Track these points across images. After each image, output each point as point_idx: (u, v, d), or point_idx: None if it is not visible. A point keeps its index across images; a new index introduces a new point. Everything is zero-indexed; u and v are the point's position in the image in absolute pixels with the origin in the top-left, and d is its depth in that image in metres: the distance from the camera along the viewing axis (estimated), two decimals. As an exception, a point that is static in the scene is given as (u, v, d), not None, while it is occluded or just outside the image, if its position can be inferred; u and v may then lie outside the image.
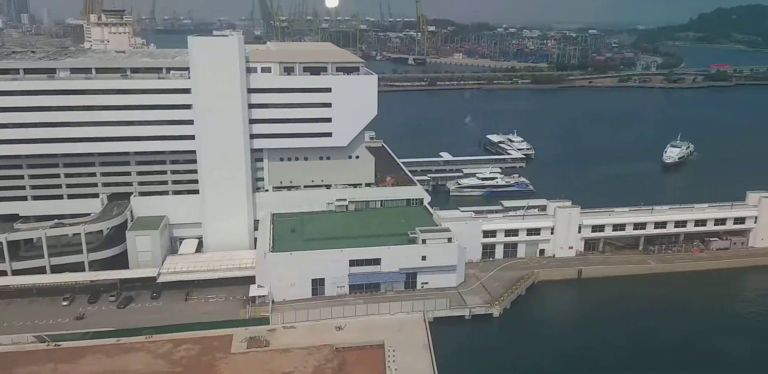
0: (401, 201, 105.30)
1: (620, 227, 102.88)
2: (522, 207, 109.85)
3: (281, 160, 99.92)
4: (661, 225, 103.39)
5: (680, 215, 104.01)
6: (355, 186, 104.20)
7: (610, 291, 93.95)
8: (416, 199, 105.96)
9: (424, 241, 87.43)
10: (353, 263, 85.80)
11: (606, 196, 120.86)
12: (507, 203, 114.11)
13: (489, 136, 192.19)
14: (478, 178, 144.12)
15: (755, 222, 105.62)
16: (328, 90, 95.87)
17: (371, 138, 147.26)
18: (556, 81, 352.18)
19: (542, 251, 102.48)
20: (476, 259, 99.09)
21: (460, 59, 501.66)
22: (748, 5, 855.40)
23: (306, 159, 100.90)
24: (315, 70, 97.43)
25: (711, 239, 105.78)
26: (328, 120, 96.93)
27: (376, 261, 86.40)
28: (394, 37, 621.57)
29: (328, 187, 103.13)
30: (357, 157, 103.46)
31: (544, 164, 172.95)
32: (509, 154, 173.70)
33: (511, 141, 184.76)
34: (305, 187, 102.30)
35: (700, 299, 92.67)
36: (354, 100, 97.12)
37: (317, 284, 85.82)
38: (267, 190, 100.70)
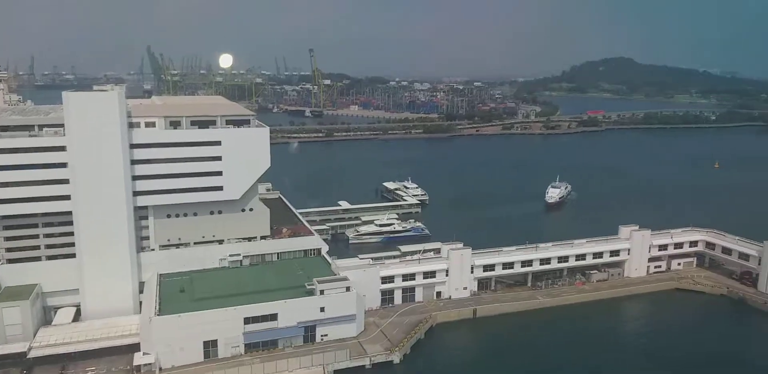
0: (299, 253, 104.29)
1: (509, 265, 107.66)
2: (418, 252, 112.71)
3: (168, 216, 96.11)
4: (545, 261, 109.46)
5: (562, 251, 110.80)
6: (249, 239, 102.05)
7: (504, 328, 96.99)
8: (314, 249, 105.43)
9: (322, 292, 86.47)
10: (248, 321, 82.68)
11: (496, 237, 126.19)
12: (404, 248, 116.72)
13: (385, 184, 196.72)
14: (376, 225, 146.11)
15: (628, 254, 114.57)
16: (218, 143, 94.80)
17: (267, 189, 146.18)
18: (447, 130, 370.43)
19: (439, 293, 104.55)
20: (376, 306, 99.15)
21: (356, 111, 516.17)
22: (613, 58, 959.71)
23: (195, 214, 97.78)
24: (203, 124, 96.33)
25: (591, 272, 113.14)
26: (219, 173, 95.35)
27: (273, 317, 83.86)
28: (291, 90, 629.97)
29: (220, 242, 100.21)
30: (251, 210, 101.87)
31: (438, 208, 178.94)
32: (405, 200, 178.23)
33: (406, 187, 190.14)
34: (195, 243, 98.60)
35: (586, 329, 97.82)
36: (245, 153, 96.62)
37: (209, 346, 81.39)
38: (153, 249, 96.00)
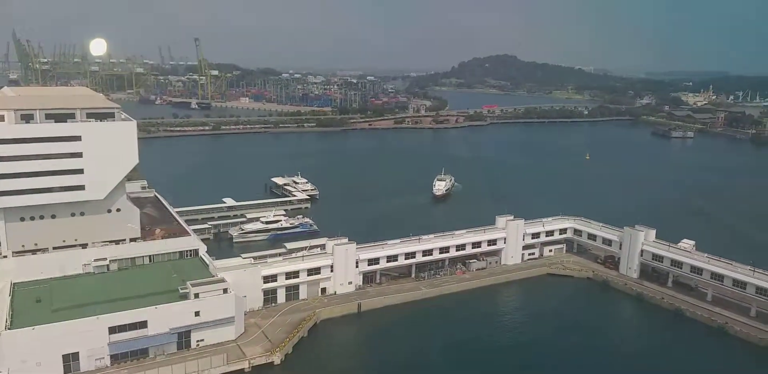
0: (173, 255, 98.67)
1: (393, 258, 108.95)
2: (305, 248, 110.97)
3: (22, 219, 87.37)
4: (428, 252, 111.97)
5: (443, 242, 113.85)
6: (117, 242, 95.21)
7: (388, 321, 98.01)
8: (191, 251, 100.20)
9: (196, 295, 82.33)
10: (114, 330, 76.84)
11: (385, 230, 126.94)
12: (290, 245, 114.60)
13: (274, 179, 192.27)
14: (262, 222, 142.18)
15: (504, 243, 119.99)
16: (77, 138, 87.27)
17: (143, 187, 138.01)
18: (340, 124, 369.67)
19: (324, 289, 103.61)
20: (258, 307, 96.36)
21: (247, 103, 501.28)
22: (498, 55, 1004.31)
23: (54, 216, 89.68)
24: (60, 117, 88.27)
25: (471, 261, 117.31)
26: (80, 171, 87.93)
27: (142, 325, 78.58)
28: (176, 81, 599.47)
29: (84, 246, 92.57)
30: (118, 210, 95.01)
31: (329, 204, 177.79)
32: (294, 195, 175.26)
33: (295, 183, 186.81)
34: (55, 248, 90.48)
35: (469, 316, 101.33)
36: (109, 149, 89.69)
37: (70, 360, 74.93)
38: (5, 256, 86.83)
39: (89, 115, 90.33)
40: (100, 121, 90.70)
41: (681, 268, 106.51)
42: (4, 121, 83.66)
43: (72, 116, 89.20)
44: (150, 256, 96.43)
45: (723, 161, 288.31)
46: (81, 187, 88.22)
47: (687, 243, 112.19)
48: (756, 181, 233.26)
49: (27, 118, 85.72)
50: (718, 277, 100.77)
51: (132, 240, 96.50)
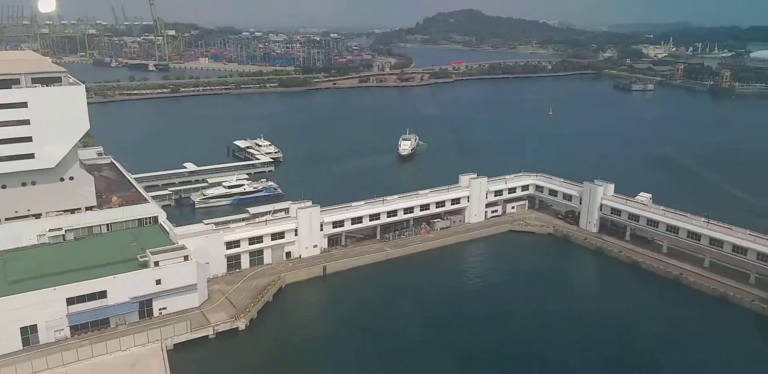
0: (132, 223, 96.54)
1: (358, 220, 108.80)
2: (269, 213, 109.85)
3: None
4: (392, 213, 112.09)
5: (407, 202, 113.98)
6: (73, 211, 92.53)
7: (353, 283, 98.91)
8: (149, 218, 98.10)
9: (156, 264, 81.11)
10: (72, 301, 75.56)
11: (351, 191, 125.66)
12: (253, 210, 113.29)
13: (236, 142, 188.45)
14: (225, 187, 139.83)
15: (468, 201, 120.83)
16: (24, 105, 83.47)
17: (99, 154, 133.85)
18: (303, 84, 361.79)
19: (289, 253, 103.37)
20: (222, 273, 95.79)
21: (206, 64, 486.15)
22: (462, 10, 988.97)
23: (4, 187, 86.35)
24: (4, 84, 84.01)
25: (435, 220, 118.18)
26: (28, 139, 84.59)
27: (102, 295, 77.37)
28: (132, 42, 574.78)
29: (37, 216, 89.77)
30: (71, 179, 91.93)
31: (293, 166, 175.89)
32: (257, 159, 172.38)
33: (258, 145, 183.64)
34: (7, 219, 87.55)
35: (434, 274, 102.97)
36: (58, 115, 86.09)
37: (28, 332, 73.67)
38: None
39: (35, 80, 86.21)
40: (47, 86, 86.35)
41: (638, 221, 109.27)
42: (-61, 88, 78.96)
43: (17, 82, 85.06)
44: (107, 225, 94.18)
45: (680, 113, 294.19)
46: (30, 156, 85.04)
47: (644, 197, 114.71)
48: (712, 132, 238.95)
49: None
50: (673, 229, 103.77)
51: (88, 208, 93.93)
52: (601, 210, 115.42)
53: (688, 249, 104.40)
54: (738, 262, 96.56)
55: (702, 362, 76.08)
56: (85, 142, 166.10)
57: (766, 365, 76.52)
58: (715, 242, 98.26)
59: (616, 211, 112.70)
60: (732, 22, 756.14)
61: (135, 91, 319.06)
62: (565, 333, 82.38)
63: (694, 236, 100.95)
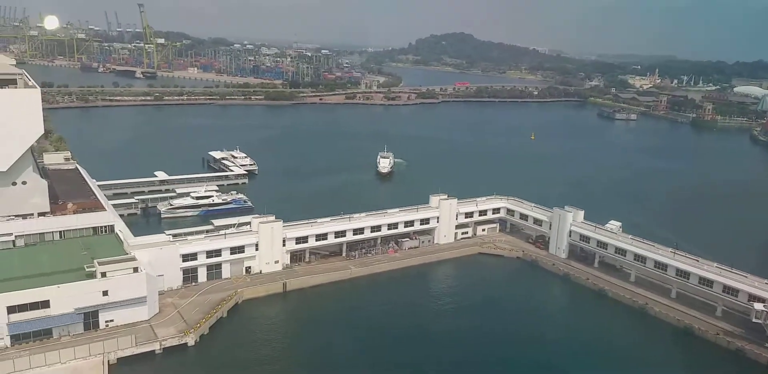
0: (87, 231, 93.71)
1: (323, 237, 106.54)
2: (233, 225, 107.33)
3: None
4: (359, 231, 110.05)
5: (375, 220, 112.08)
6: (24, 217, 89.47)
7: (314, 300, 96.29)
8: (105, 227, 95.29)
9: (104, 274, 78.15)
10: (13, 309, 72.47)
11: (324, 207, 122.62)
12: (218, 222, 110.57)
13: (212, 153, 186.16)
14: (192, 198, 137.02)
15: (438, 222, 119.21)
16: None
17: (66, 159, 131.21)
18: (289, 98, 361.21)
19: (248, 268, 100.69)
20: (177, 286, 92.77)
21: (195, 73, 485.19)
22: (455, 33, 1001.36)
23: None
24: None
25: (403, 240, 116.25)
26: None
27: (45, 304, 74.25)
28: (121, 49, 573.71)
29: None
30: (24, 183, 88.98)
31: (268, 180, 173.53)
32: (231, 170, 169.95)
33: (234, 157, 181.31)
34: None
35: (398, 294, 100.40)
36: (11, 118, 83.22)
37: (-36, 340, 70.54)
38: None
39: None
40: (0, 88, 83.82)
41: (606, 249, 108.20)
42: None
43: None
44: (60, 232, 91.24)
45: (661, 143, 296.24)
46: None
47: (614, 225, 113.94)
48: (690, 164, 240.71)
49: None
50: (641, 259, 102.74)
51: (41, 214, 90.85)
52: (570, 236, 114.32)
53: (655, 278, 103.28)
54: (704, 294, 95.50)
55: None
56: (57, 146, 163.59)
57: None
58: (681, 273, 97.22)
59: (585, 238, 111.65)
60: (718, 57, 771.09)
61: (118, 98, 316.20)
62: (526, 358, 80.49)
63: (661, 266, 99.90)
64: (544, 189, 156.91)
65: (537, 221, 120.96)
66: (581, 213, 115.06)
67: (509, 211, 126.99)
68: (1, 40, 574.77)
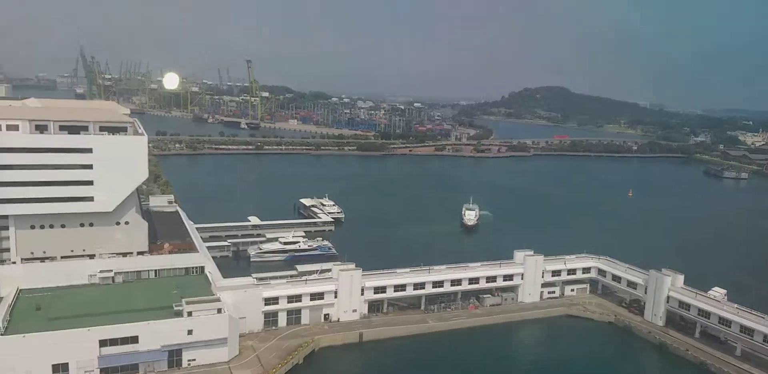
0: (179, 270, 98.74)
1: (401, 288, 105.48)
2: (315, 272, 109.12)
3: (32, 227, 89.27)
4: (438, 284, 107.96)
5: (455, 274, 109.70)
6: (125, 255, 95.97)
7: (390, 353, 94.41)
8: (196, 267, 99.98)
9: (189, 314, 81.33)
10: (104, 343, 76.49)
11: (407, 257, 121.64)
12: (302, 267, 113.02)
13: (302, 200, 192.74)
14: (281, 243, 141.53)
15: (522, 279, 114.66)
16: (88, 150, 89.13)
17: (169, 202, 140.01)
18: (380, 148, 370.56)
19: (327, 316, 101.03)
20: (258, 329, 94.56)
21: (295, 125, 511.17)
22: (549, 86, 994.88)
23: (63, 226, 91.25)
24: (74, 129, 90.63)
25: (484, 296, 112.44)
26: (89, 183, 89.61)
27: (133, 340, 77.91)
28: (230, 101, 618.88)
29: (91, 256, 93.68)
30: (126, 223, 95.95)
31: (354, 227, 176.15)
32: (319, 217, 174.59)
33: (323, 205, 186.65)
34: (63, 257, 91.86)
35: (476, 353, 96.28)
36: (120, 162, 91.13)
37: (60, 370, 74.74)
38: (14, 262, 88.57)
39: (102, 128, 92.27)
40: (112, 134, 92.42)
41: (709, 319, 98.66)
42: (18, 130, 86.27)
43: (85, 129, 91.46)
44: (155, 271, 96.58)
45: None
46: (90, 199, 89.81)
47: (718, 292, 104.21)
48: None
49: (41, 128, 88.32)
50: (748, 331, 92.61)
51: (140, 253, 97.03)
52: (668, 302, 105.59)
53: (764, 354, 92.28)
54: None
55: None
56: (163, 189, 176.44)
57: None
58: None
59: (685, 305, 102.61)
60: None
61: (223, 146, 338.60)
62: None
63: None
64: (640, 249, 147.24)
65: (631, 284, 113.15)
66: (681, 277, 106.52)
67: (600, 271, 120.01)
68: (126, 91, 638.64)
